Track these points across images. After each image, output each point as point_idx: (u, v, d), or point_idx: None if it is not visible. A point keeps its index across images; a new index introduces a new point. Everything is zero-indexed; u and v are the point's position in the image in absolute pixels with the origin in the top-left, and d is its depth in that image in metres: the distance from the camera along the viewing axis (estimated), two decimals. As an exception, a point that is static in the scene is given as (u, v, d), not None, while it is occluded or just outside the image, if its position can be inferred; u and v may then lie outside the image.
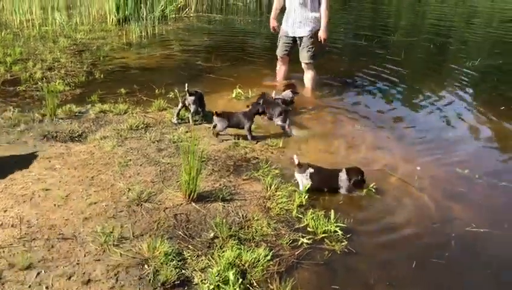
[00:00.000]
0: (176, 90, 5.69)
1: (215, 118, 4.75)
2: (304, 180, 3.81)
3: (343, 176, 3.84)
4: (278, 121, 5.05)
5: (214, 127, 4.80)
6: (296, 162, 3.86)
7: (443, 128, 5.41)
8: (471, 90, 6.78)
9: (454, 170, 4.35)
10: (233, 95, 6.10)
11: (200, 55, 8.09)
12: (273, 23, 6.43)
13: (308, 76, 6.38)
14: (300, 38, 6.14)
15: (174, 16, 11.07)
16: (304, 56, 6.19)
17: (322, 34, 5.96)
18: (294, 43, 6.27)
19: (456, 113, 5.85)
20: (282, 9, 6.33)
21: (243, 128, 4.81)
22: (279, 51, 6.45)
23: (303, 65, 6.32)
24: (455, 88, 6.86)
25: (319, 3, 5.95)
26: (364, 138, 5.06)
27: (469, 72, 7.50)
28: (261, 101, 5.12)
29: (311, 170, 3.83)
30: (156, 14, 10.49)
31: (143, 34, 9.41)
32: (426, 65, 8.25)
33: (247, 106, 5.07)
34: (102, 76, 6.72)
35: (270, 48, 6.68)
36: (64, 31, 9.25)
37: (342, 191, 3.85)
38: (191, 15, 11.49)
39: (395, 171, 4.30)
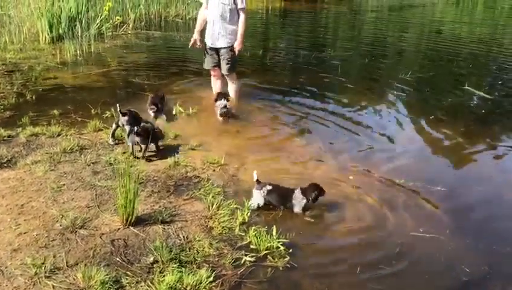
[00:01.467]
0: (112, 110, 5.54)
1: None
2: (259, 197, 3.80)
3: (297, 194, 3.85)
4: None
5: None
6: (255, 178, 3.85)
7: (377, 139, 5.60)
8: (403, 102, 7.08)
9: (390, 179, 4.50)
10: (174, 113, 6.02)
11: (138, 73, 7.93)
12: (196, 35, 6.29)
13: (231, 87, 6.53)
14: (220, 49, 6.21)
15: (111, 33, 10.80)
16: (223, 68, 6.30)
17: (236, 46, 6.08)
18: (218, 54, 6.30)
19: (389, 125, 6.09)
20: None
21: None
22: (206, 64, 6.45)
23: (225, 76, 6.42)
24: (389, 100, 7.14)
25: (238, 17, 6.05)
26: (302, 151, 5.15)
27: (402, 85, 7.84)
28: None
29: (268, 187, 3.82)
30: (92, 32, 10.18)
31: (78, 52, 9.10)
32: (361, 79, 8.56)
33: None
34: (34, 97, 6.42)
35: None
36: (-8, 51, 8.78)
37: (296, 209, 3.85)
38: (129, 32, 11.27)
39: (332, 182, 4.39)
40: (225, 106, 5.95)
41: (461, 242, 3.60)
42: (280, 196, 3.87)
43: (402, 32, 13.91)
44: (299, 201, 3.84)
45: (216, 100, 6.08)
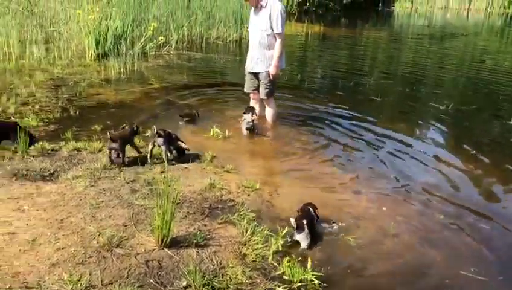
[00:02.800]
0: (153, 128, 5.63)
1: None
2: (305, 240, 3.69)
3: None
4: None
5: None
6: (294, 224, 3.70)
7: (416, 172, 5.44)
8: (442, 134, 6.91)
9: (429, 213, 4.37)
10: (211, 134, 6.08)
11: (177, 93, 8.08)
12: None
13: (268, 112, 6.59)
14: (258, 74, 6.30)
15: (154, 52, 11.12)
16: (262, 92, 6.38)
17: (271, 70, 6.12)
18: (257, 79, 6.39)
19: (428, 157, 5.91)
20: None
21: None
22: (246, 87, 6.63)
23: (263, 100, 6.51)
24: (428, 132, 6.98)
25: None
26: (338, 179, 5.07)
27: (442, 116, 7.65)
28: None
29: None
30: (136, 51, 10.51)
31: (122, 70, 9.39)
32: (400, 108, 8.41)
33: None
34: (77, 112, 6.63)
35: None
36: (41, 65, 9.17)
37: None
38: (171, 52, 11.56)
39: (368, 214, 4.29)
40: (251, 121, 6.11)
41: None
42: None
43: (443, 61, 13.67)
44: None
45: (244, 113, 6.24)
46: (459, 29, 22.40)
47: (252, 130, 6.20)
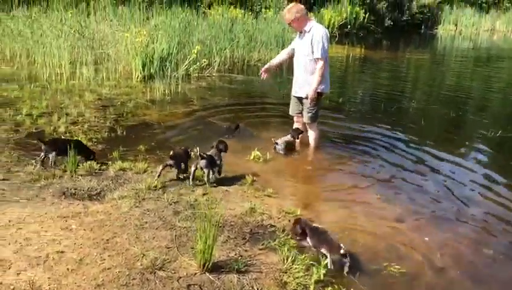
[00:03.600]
0: (196, 150, 5.70)
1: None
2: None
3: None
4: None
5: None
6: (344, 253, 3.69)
7: (463, 202, 5.23)
8: (491, 164, 6.64)
9: (478, 248, 4.19)
10: (251, 157, 6.10)
11: (219, 115, 8.19)
12: (267, 65, 6.72)
13: (310, 136, 6.59)
14: (302, 98, 6.34)
15: (197, 74, 11.36)
16: (305, 116, 6.42)
17: (309, 93, 6.13)
18: (301, 103, 6.44)
19: (476, 187, 5.69)
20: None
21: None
22: (291, 111, 6.72)
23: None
24: (475, 160, 6.73)
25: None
26: (381, 206, 4.96)
27: (489, 144, 7.37)
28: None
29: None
30: (180, 73, 10.77)
31: (166, 91, 9.62)
32: (445, 135, 8.16)
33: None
34: (124, 132, 6.82)
35: (288, 110, 6.78)
36: (90, 86, 9.52)
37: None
38: (214, 74, 11.76)
39: (412, 244, 4.17)
40: (277, 143, 6.34)
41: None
42: None
43: (489, 85, 13.27)
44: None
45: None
46: (506, 51, 21.77)
47: (286, 150, 6.32)
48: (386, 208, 4.95)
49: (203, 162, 5.05)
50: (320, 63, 6.03)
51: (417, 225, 4.60)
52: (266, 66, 6.70)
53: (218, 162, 5.24)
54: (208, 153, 5.18)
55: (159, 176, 5.09)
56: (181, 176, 5.23)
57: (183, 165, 5.26)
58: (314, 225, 4.05)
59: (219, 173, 5.29)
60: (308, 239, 3.93)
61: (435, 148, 7.05)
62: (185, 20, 13.42)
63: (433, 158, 6.63)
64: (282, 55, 6.67)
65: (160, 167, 5.14)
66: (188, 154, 5.37)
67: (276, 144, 6.38)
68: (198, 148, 5.13)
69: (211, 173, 5.12)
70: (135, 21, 12.88)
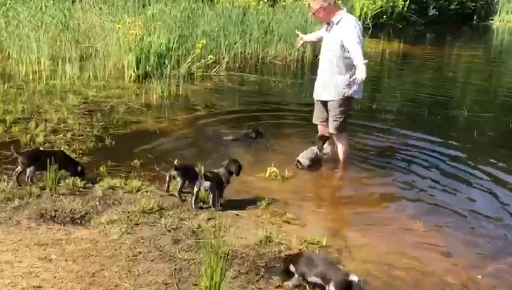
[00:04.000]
0: (200, 169, 5.71)
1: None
2: None
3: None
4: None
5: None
6: None
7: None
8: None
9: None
10: (267, 174, 6.10)
11: (228, 123, 8.24)
12: (301, 37, 6.91)
13: (339, 148, 6.54)
14: (327, 103, 6.30)
15: (201, 73, 11.43)
16: (330, 125, 6.36)
17: (358, 74, 5.76)
18: (326, 109, 6.39)
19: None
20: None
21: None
22: (314, 118, 6.68)
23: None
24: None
25: (348, 65, 5.99)
26: (419, 237, 4.96)
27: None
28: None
29: None
30: (182, 72, 10.82)
31: (165, 94, 9.67)
32: (505, 151, 8.03)
33: None
34: (114, 143, 6.88)
35: (311, 117, 6.78)
36: (74, 87, 9.60)
37: None
38: (222, 74, 11.83)
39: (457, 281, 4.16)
40: (315, 154, 6.38)
41: None
42: None
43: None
44: None
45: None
46: None
47: (311, 165, 6.31)
48: (432, 237, 4.92)
49: (207, 184, 5.05)
50: (359, 50, 5.80)
51: (469, 260, 4.56)
52: (306, 37, 6.86)
53: (225, 183, 5.26)
54: (215, 171, 5.20)
55: (167, 190, 5.23)
56: (182, 196, 5.24)
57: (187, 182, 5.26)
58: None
59: (220, 195, 5.28)
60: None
61: (490, 166, 6.99)
62: (188, 9, 13.48)
63: (488, 179, 6.58)
64: (316, 34, 6.77)
65: (167, 178, 5.25)
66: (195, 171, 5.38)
67: (299, 162, 6.35)
68: (202, 167, 5.15)
69: (217, 196, 5.12)
70: (128, 9, 12.97)
